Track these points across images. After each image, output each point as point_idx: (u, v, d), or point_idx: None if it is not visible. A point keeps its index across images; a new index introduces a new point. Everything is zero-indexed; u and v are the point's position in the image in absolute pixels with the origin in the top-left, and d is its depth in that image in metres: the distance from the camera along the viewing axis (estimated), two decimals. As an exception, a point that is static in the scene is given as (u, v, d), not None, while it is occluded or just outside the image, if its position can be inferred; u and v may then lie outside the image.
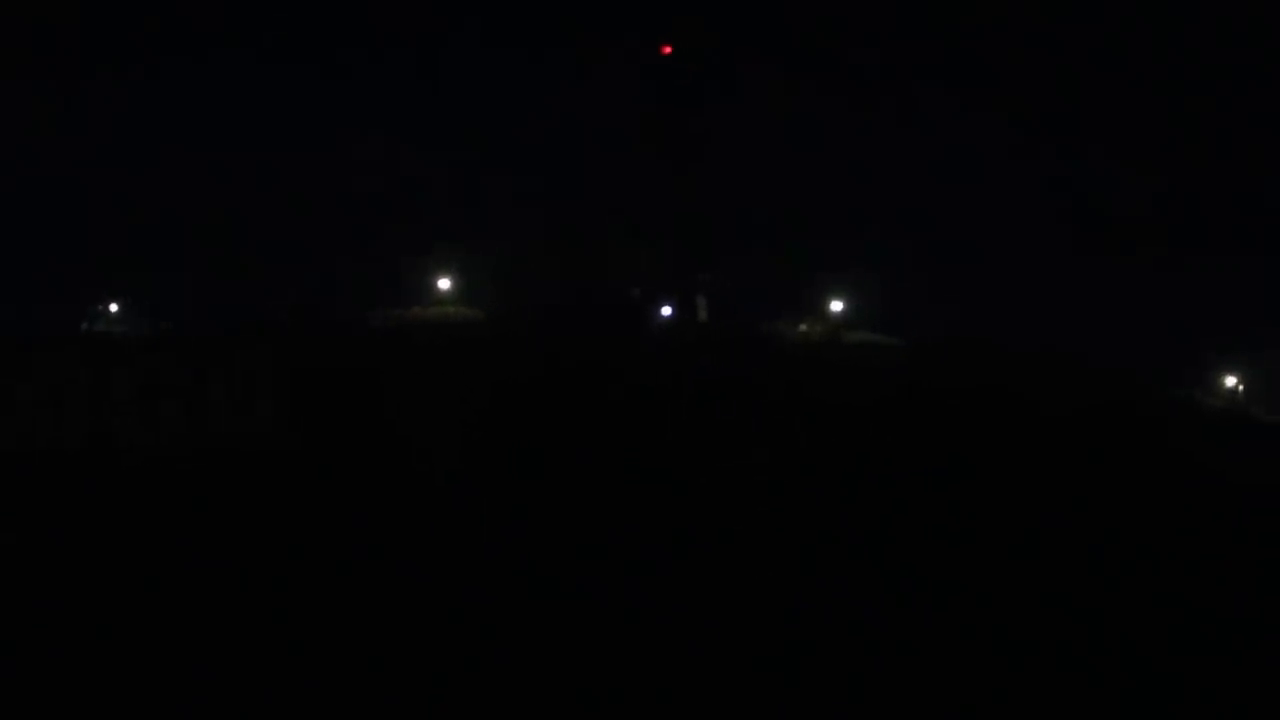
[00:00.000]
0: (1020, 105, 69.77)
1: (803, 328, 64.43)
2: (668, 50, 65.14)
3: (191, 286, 62.65)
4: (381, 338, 59.33)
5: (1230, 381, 66.83)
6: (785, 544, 48.21)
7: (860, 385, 55.86)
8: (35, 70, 65.61)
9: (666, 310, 63.85)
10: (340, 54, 66.45)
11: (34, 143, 64.17)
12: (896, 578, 46.40)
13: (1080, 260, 69.09)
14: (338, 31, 67.13)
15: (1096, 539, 49.24)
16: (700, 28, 65.60)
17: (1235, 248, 68.11)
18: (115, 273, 62.69)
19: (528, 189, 64.90)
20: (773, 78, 66.98)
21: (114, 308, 62.39)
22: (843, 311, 64.68)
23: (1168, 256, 67.95)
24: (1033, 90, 70.81)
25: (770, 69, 67.06)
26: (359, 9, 68.69)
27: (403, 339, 59.15)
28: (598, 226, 65.15)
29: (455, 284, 63.14)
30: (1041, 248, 68.86)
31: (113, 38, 68.13)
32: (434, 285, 63.21)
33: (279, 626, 43.91)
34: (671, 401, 53.81)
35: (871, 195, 67.64)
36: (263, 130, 65.69)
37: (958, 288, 66.56)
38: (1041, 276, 68.49)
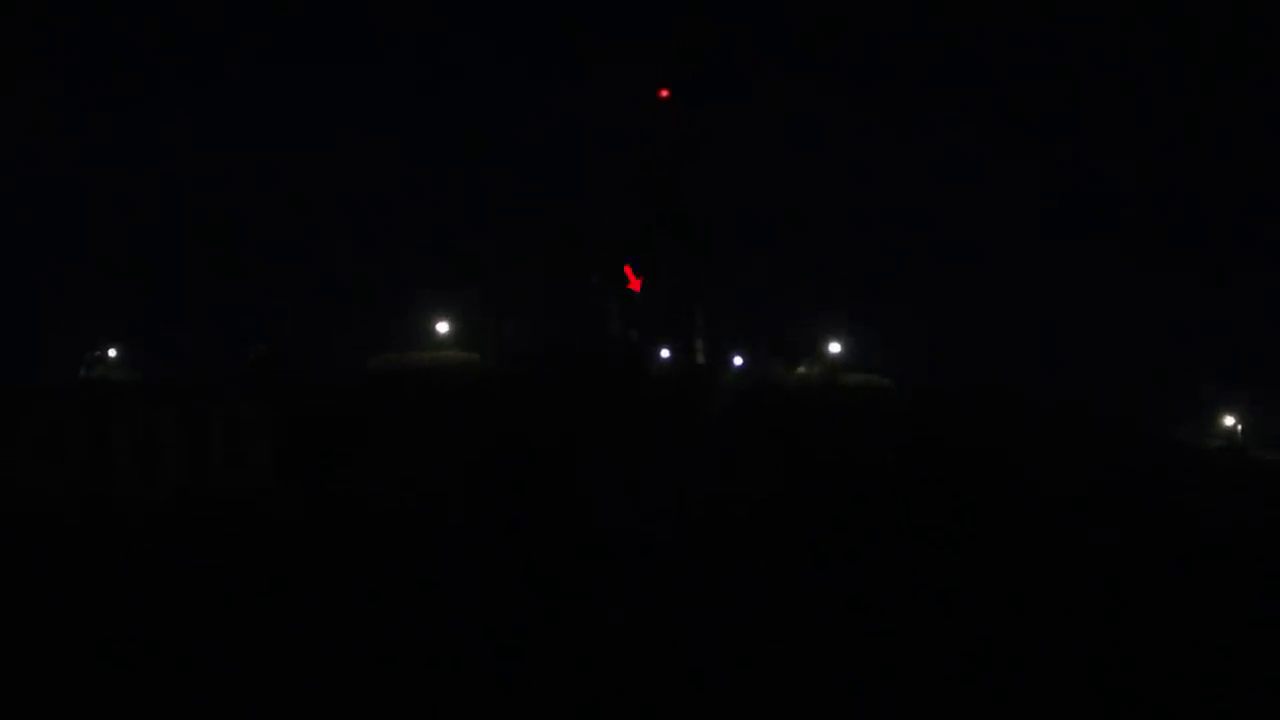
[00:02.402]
0: (1029, 146, 69.60)
1: (801, 370, 64.20)
2: (665, 94, 65.07)
3: (190, 326, 62.41)
4: (379, 384, 58.96)
5: (1229, 421, 66.63)
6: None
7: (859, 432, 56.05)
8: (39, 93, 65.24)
9: (665, 353, 63.66)
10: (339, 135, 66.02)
11: (32, 190, 64.05)
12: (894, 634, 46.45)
13: (1080, 298, 69.00)
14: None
15: (1092, 587, 49.35)
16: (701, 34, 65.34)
17: (1234, 290, 68.07)
18: (114, 317, 62.34)
19: (527, 230, 64.71)
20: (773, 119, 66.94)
21: (112, 353, 61.96)
22: (840, 353, 64.44)
23: (1169, 293, 67.90)
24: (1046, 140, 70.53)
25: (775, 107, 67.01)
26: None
27: (401, 385, 58.83)
28: (599, 267, 64.91)
29: (453, 327, 62.79)
30: (1037, 285, 68.63)
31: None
32: (432, 329, 62.86)
33: (276, 678, 43.96)
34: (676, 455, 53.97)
35: (868, 237, 67.57)
36: (260, 173, 65.37)
37: (954, 325, 66.30)
38: (1038, 312, 68.23)
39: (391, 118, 66.28)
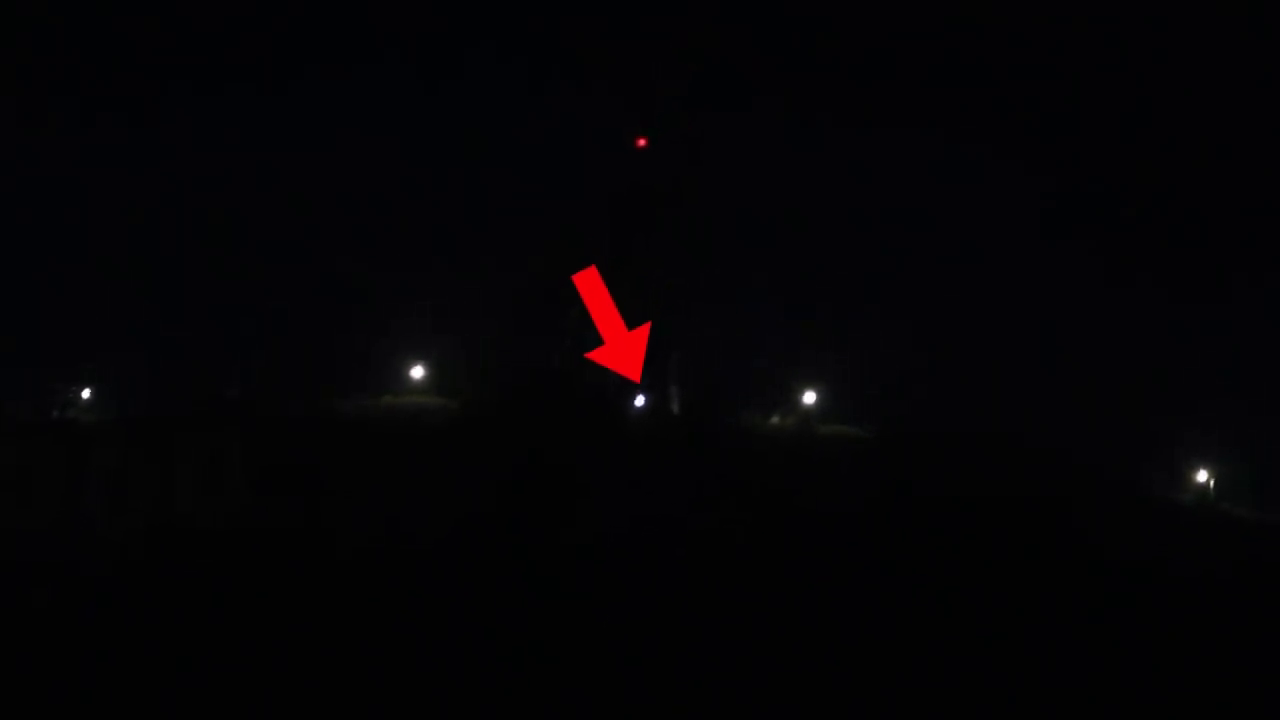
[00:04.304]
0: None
1: (775, 420, 64.46)
2: (643, 143, 65.34)
3: (161, 366, 62.38)
4: (351, 426, 59.22)
5: (1201, 476, 66.34)
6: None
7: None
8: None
9: (640, 400, 63.77)
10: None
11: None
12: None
13: (1053, 350, 68.89)
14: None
15: (1054, 644, 49.68)
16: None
17: (1206, 345, 67.88)
18: (85, 359, 62.31)
19: (503, 275, 64.80)
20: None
21: (85, 394, 62.13)
22: (815, 403, 64.72)
23: (1142, 353, 67.75)
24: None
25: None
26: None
27: (374, 428, 59.13)
28: (574, 313, 65.00)
29: (428, 373, 62.89)
30: (1008, 334, 68.43)
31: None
32: (406, 373, 63.00)
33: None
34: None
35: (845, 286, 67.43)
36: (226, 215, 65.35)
37: (926, 373, 66.10)
38: (1011, 363, 68.03)
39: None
